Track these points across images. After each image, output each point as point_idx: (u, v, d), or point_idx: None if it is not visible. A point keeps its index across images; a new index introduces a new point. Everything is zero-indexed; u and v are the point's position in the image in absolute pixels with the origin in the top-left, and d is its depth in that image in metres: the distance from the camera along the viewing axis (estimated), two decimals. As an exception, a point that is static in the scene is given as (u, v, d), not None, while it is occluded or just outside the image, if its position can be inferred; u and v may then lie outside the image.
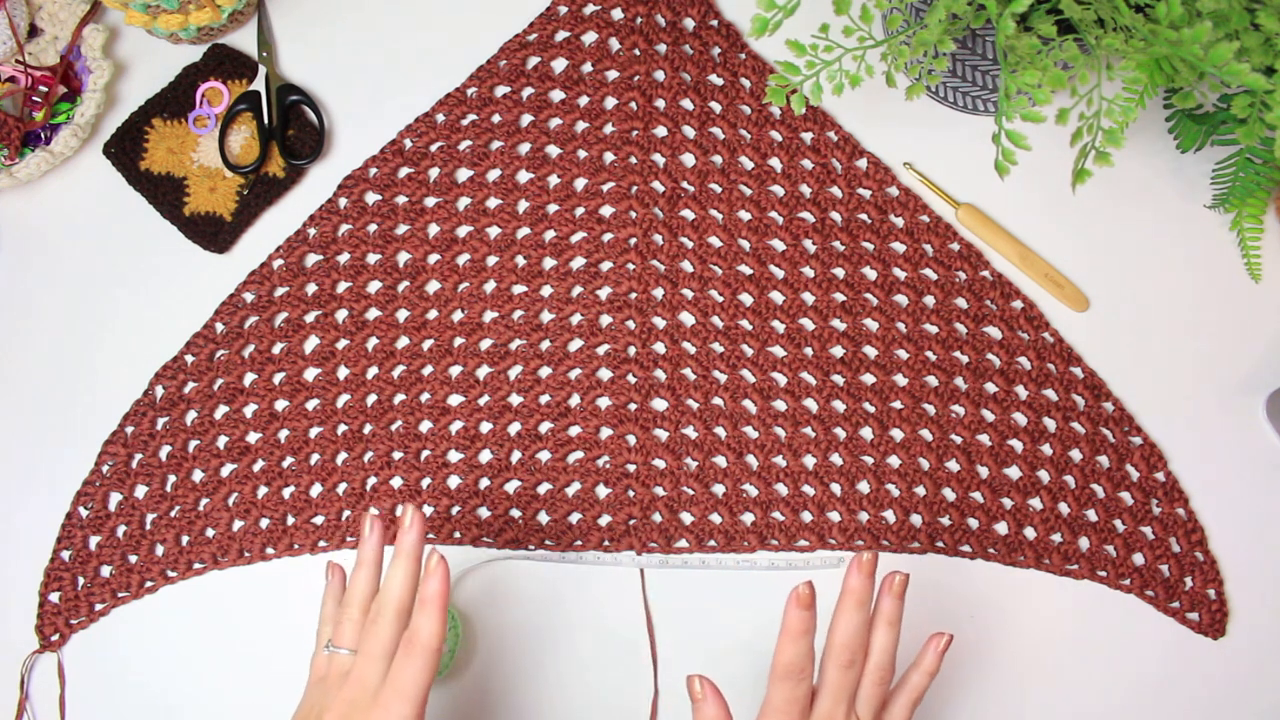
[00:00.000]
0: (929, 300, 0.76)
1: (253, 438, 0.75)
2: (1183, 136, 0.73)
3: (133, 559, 0.74)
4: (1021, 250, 0.76)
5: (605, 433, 0.75)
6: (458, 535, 0.74)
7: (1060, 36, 0.59)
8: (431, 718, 0.73)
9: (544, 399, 0.76)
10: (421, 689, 0.55)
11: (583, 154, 0.78)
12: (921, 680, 0.61)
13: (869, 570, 0.59)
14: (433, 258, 0.77)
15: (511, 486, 0.75)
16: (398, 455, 0.75)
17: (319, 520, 0.75)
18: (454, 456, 0.75)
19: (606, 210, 0.77)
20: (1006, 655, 0.73)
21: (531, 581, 0.75)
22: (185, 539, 0.74)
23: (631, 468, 0.75)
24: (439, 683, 0.73)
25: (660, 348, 0.76)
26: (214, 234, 0.78)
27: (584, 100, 0.78)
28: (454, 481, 0.75)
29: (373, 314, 0.76)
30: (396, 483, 0.75)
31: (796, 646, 0.57)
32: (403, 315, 0.77)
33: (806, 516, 0.74)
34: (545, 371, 0.76)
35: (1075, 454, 0.74)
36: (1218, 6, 0.54)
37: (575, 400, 0.75)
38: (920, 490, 0.74)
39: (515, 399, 0.76)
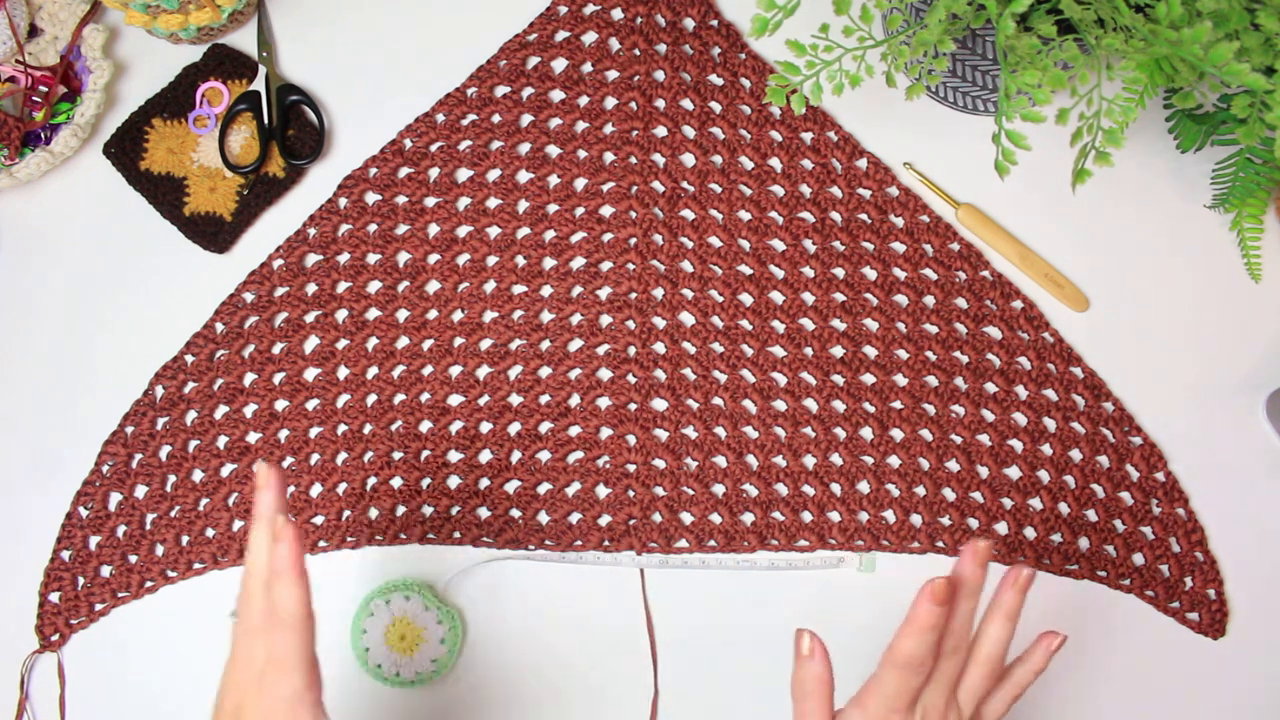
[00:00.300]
0: (929, 300, 0.76)
1: (253, 438, 0.75)
2: (1183, 136, 0.73)
3: (133, 559, 0.74)
4: (1021, 250, 0.76)
5: (605, 433, 0.75)
6: (458, 535, 0.75)
7: (1060, 36, 0.59)
8: (432, 718, 0.73)
9: (544, 399, 0.76)
10: (300, 658, 0.53)
11: (583, 154, 0.78)
12: (1026, 677, 0.60)
13: (982, 560, 0.57)
14: (433, 258, 0.77)
15: (511, 486, 0.75)
16: (398, 455, 0.75)
17: (319, 520, 0.75)
18: (454, 456, 0.75)
19: (606, 210, 0.77)
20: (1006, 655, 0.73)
21: (531, 581, 0.75)
22: (185, 539, 0.74)
23: (631, 468, 0.75)
24: (439, 683, 0.73)
25: (660, 348, 0.76)
26: (214, 234, 0.78)
27: (584, 100, 0.78)
28: (454, 481, 0.75)
29: (373, 314, 0.76)
30: (396, 483, 0.75)
31: (922, 640, 0.55)
32: (403, 315, 0.77)
33: (806, 516, 0.74)
34: (545, 371, 0.76)
35: (1075, 454, 0.74)
36: (1218, 6, 0.54)
37: (575, 400, 0.75)
38: (920, 490, 0.74)
39: (515, 399, 0.76)
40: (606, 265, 0.77)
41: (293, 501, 0.74)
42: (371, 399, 0.76)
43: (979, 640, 0.58)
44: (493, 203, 0.77)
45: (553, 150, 0.78)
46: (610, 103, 0.78)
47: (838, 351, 0.76)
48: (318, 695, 0.55)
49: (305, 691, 0.54)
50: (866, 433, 0.75)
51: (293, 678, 0.53)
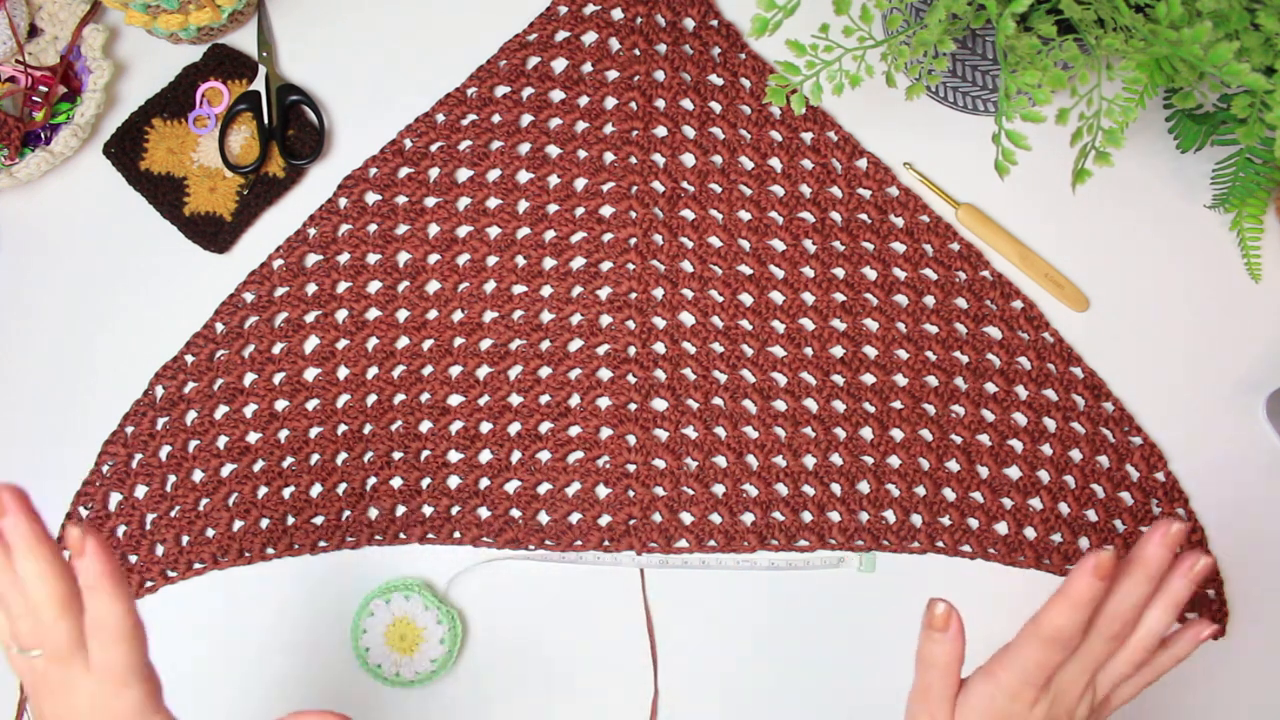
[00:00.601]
0: (929, 300, 0.76)
1: (253, 438, 0.75)
2: (1183, 136, 0.73)
3: (133, 559, 0.74)
4: (1021, 250, 0.76)
5: (605, 433, 0.75)
6: (458, 535, 0.75)
7: (1060, 36, 0.59)
8: (432, 718, 0.73)
9: (544, 399, 0.76)
10: (136, 669, 0.52)
11: (583, 154, 0.78)
12: (1167, 663, 0.55)
13: (1173, 544, 0.51)
14: (433, 258, 0.77)
15: (511, 486, 0.75)
16: (398, 455, 0.75)
17: (319, 520, 0.75)
18: (454, 456, 0.75)
19: (606, 210, 0.77)
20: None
21: (531, 581, 0.75)
22: (185, 539, 0.74)
23: (631, 468, 0.75)
24: (439, 683, 0.73)
25: (660, 348, 0.76)
26: (214, 234, 0.78)
27: (584, 100, 0.78)
28: (454, 481, 0.75)
29: (373, 314, 0.76)
30: (396, 483, 0.75)
31: (1076, 615, 0.50)
32: (403, 315, 0.77)
33: (806, 516, 0.74)
34: (545, 371, 0.76)
35: (1075, 454, 0.74)
36: (1218, 6, 0.54)
37: (575, 400, 0.75)
38: (920, 490, 0.74)
39: (515, 399, 0.76)
40: (606, 265, 0.77)
41: (293, 501, 0.74)
42: (371, 399, 0.76)
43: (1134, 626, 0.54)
44: (493, 203, 0.77)
45: (553, 150, 0.78)
46: (610, 103, 0.78)
47: (838, 351, 0.76)
48: (159, 701, 0.53)
49: (146, 700, 0.52)
50: (866, 433, 0.75)
51: (132, 691, 0.51)
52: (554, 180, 0.77)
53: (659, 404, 0.76)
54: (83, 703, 0.52)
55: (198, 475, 0.75)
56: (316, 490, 0.75)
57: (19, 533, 0.50)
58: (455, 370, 0.76)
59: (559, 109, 0.78)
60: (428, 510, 0.75)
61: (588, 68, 0.79)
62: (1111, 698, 0.55)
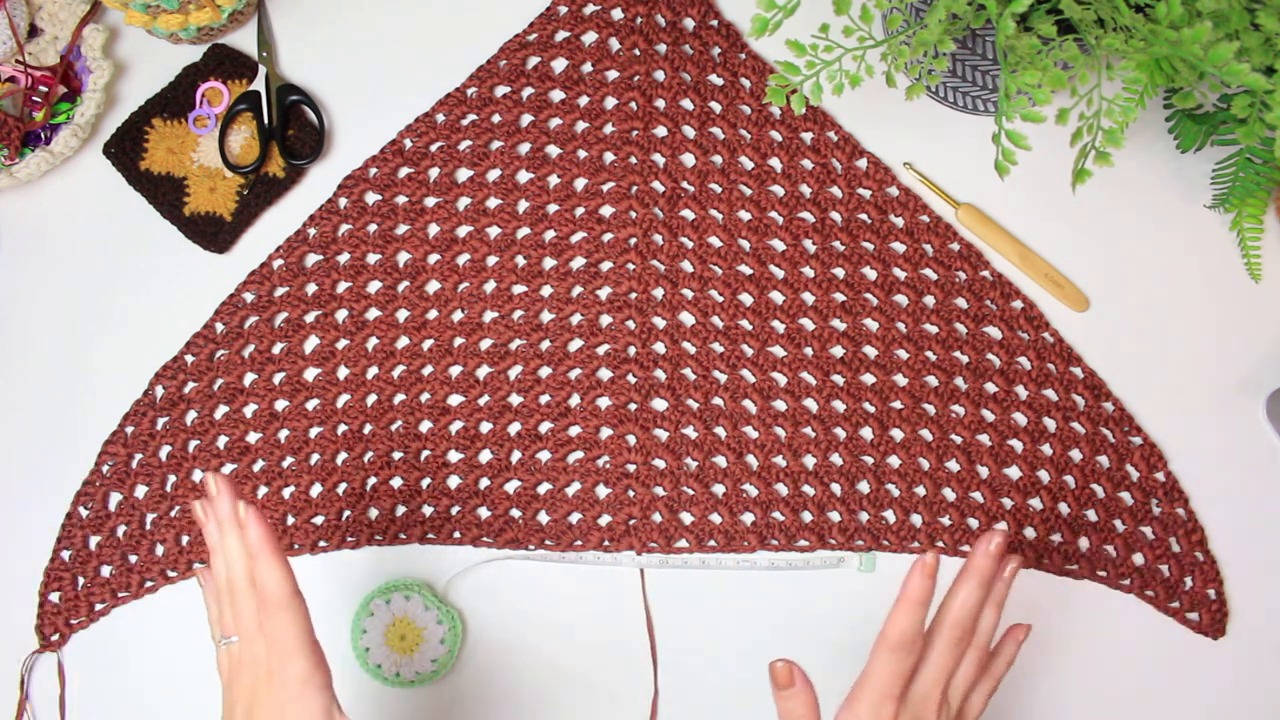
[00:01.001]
0: (929, 300, 0.76)
1: (253, 438, 0.75)
2: (1183, 136, 0.73)
3: (133, 559, 0.74)
4: (1021, 250, 0.76)
5: (605, 433, 0.75)
6: (458, 535, 0.75)
7: (1060, 36, 0.59)
8: (432, 718, 0.73)
9: (544, 399, 0.76)
10: (299, 639, 0.53)
11: (583, 154, 0.78)
12: (1001, 668, 0.61)
13: (998, 554, 0.59)
14: (433, 258, 0.77)
15: (511, 486, 0.75)
16: (398, 455, 0.75)
17: (319, 520, 0.75)
18: (454, 456, 0.75)
19: (606, 210, 0.77)
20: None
21: (531, 581, 0.75)
22: (185, 539, 0.74)
23: (631, 468, 0.75)
24: (439, 683, 0.73)
25: (660, 348, 0.76)
26: (214, 234, 0.78)
27: (584, 100, 0.78)
28: (454, 481, 0.75)
29: (373, 314, 0.76)
30: (396, 483, 0.75)
31: (914, 616, 0.56)
32: (403, 315, 0.77)
33: (806, 516, 0.74)
34: (545, 371, 0.76)
35: (1075, 454, 0.74)
36: (1218, 6, 0.54)
37: (575, 400, 0.75)
38: (920, 490, 0.74)
39: (515, 399, 0.76)
40: (606, 265, 0.77)
41: (293, 501, 0.74)
42: (371, 399, 0.76)
43: (990, 664, 0.59)
44: (493, 203, 0.77)
45: (553, 150, 0.78)
46: (610, 103, 0.78)
47: (838, 351, 0.76)
48: (326, 678, 0.54)
49: (313, 672, 0.53)
50: (866, 433, 0.75)
51: (297, 661, 0.53)
52: (554, 180, 0.77)
53: (659, 404, 0.76)
54: (259, 677, 0.53)
55: (198, 475, 0.75)
56: (316, 490, 0.75)
57: (222, 510, 0.56)
58: (455, 370, 0.76)
59: (559, 109, 0.78)
60: (428, 510, 0.75)
61: (588, 68, 0.79)
62: (965, 711, 0.59)
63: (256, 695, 0.54)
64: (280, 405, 0.76)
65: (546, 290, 0.77)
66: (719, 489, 0.75)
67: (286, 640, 0.53)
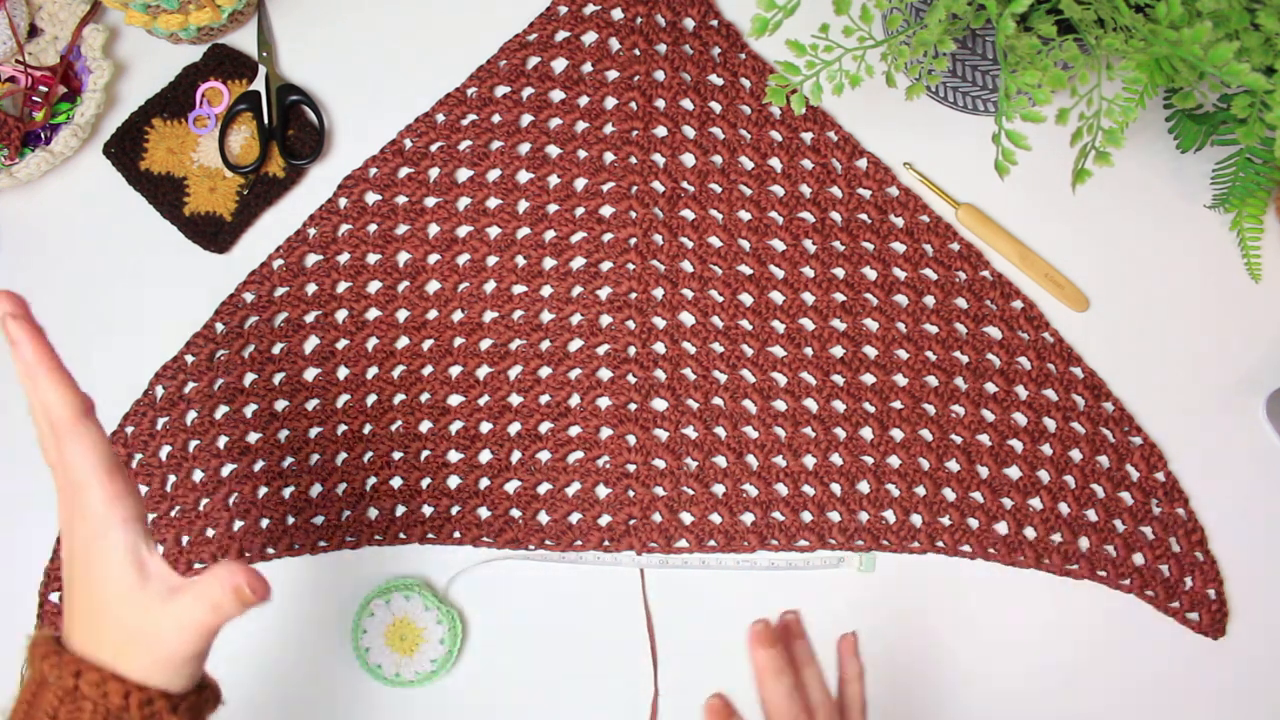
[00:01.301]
0: (929, 300, 0.76)
1: (253, 438, 0.75)
2: (1183, 136, 0.73)
3: (133, 559, 0.74)
4: (1021, 250, 0.76)
5: (605, 433, 0.75)
6: (458, 535, 0.74)
7: (1060, 36, 0.59)
8: (432, 718, 0.73)
9: (544, 399, 0.76)
10: (93, 468, 0.47)
11: (583, 154, 0.78)
12: (857, 687, 0.59)
13: (769, 640, 0.56)
14: (433, 258, 0.77)
15: (511, 486, 0.75)
16: (398, 455, 0.75)
17: (319, 520, 0.75)
18: (454, 456, 0.75)
19: (606, 210, 0.77)
20: (1006, 655, 0.73)
21: (531, 581, 0.75)
22: (185, 539, 0.74)
23: (631, 468, 0.75)
24: (439, 683, 0.73)
25: (660, 348, 0.76)
26: (214, 234, 0.78)
27: (584, 100, 0.78)
28: (454, 481, 0.75)
29: (373, 314, 0.76)
30: (396, 483, 0.75)
31: (780, 683, 0.55)
32: (403, 315, 0.77)
33: (806, 516, 0.74)
34: (545, 371, 0.76)
35: (1075, 454, 0.74)
36: (1218, 6, 0.54)
37: (575, 400, 0.75)
38: (920, 490, 0.74)
39: (515, 399, 0.76)
40: (606, 265, 0.77)
41: (293, 501, 0.74)
42: (371, 399, 0.76)
43: (844, 703, 0.59)
44: (493, 203, 0.77)
45: (553, 150, 0.78)
46: (610, 103, 0.78)
47: (838, 351, 0.76)
48: (129, 510, 0.47)
49: (111, 505, 0.47)
50: (866, 433, 0.75)
51: (93, 492, 0.46)
52: (554, 180, 0.77)
53: (659, 404, 0.76)
54: (75, 516, 0.47)
55: (198, 475, 0.75)
56: (316, 490, 0.75)
57: (26, 346, 0.48)
58: (455, 370, 0.76)
59: (559, 109, 0.78)
60: (428, 510, 0.75)
61: (588, 68, 0.79)
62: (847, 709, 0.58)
63: (74, 534, 0.48)
64: (280, 405, 0.76)
65: (546, 290, 0.77)
66: (719, 489, 0.75)
67: (78, 470, 0.46)
